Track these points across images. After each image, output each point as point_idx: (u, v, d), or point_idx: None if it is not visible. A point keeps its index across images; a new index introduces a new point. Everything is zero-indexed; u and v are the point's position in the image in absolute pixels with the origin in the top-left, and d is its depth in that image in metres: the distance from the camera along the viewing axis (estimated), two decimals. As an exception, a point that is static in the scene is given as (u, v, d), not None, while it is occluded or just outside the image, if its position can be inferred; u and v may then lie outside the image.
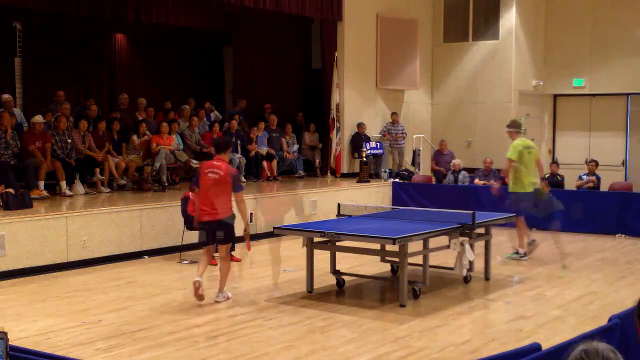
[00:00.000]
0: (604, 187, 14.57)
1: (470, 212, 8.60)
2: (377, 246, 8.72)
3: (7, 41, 14.54)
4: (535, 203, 10.20)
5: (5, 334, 3.21)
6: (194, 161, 13.70)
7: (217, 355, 5.97)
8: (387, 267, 9.38)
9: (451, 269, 8.72)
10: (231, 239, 7.85)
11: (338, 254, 8.60)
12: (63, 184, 11.41)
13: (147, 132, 13.19)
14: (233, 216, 7.83)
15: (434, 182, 15.92)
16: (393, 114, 16.99)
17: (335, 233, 7.86)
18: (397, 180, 15.65)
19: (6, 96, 12.25)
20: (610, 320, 4.47)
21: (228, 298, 7.87)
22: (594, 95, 18.15)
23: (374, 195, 14.75)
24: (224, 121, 14.92)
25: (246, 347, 6.23)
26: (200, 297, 7.57)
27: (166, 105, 15.08)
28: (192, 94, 16.39)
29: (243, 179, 14.34)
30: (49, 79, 14.99)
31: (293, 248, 9.50)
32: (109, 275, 9.27)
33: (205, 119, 15.00)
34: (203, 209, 7.70)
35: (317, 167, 16.28)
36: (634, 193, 13.91)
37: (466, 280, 8.82)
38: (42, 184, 11.11)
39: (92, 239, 9.88)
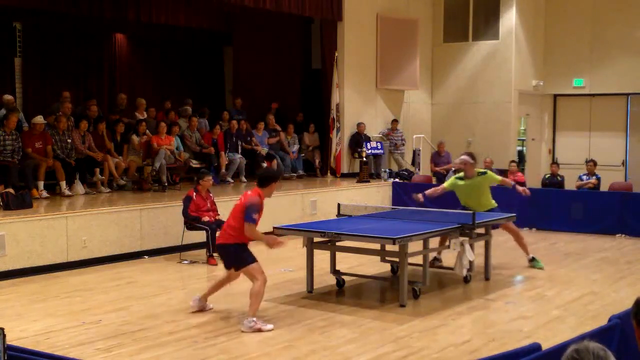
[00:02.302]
0: (604, 187, 14.57)
1: (470, 212, 8.60)
2: (377, 246, 8.72)
3: (7, 41, 14.53)
4: None
5: (2, 329, 3.22)
6: (194, 161, 13.70)
7: (217, 355, 5.97)
8: (387, 267, 9.38)
9: (451, 269, 8.73)
10: (235, 264, 6.98)
11: (338, 254, 8.59)
12: (63, 184, 11.41)
13: (147, 131, 13.20)
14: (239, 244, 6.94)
15: (434, 183, 15.90)
16: (393, 121, 16.98)
17: (335, 233, 7.85)
18: (397, 180, 15.64)
19: (8, 97, 12.23)
20: (610, 320, 4.47)
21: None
22: (594, 95, 18.15)
23: (374, 195, 14.74)
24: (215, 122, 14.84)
25: (246, 347, 6.22)
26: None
27: (166, 105, 15.09)
28: (192, 94, 16.38)
29: (244, 178, 14.35)
30: (49, 79, 14.96)
31: (293, 248, 9.48)
32: (109, 275, 9.27)
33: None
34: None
35: (317, 167, 16.28)
36: (634, 193, 13.90)
37: (466, 280, 8.81)
38: (41, 184, 11.12)
39: (92, 239, 9.88)
